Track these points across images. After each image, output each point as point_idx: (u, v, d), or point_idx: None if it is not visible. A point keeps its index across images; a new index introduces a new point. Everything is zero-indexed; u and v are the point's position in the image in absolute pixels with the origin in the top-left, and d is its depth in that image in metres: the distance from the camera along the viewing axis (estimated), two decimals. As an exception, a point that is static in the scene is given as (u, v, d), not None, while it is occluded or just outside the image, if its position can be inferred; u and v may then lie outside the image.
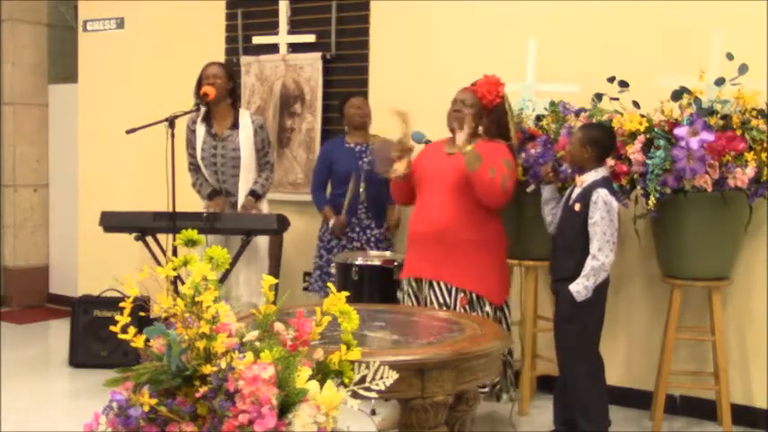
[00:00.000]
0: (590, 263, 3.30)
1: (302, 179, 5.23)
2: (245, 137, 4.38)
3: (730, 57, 3.60)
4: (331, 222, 4.54)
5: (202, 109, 4.38)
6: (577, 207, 3.38)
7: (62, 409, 4.20)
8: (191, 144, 4.46)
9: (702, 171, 3.45)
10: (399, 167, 3.74)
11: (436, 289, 3.66)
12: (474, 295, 3.65)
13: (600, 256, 3.29)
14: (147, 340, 1.98)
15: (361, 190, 4.49)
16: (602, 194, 3.31)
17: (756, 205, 3.71)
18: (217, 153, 4.39)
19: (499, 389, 3.78)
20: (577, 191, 3.44)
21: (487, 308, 3.67)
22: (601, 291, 3.38)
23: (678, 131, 3.48)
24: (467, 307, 3.62)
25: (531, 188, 3.73)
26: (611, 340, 4.23)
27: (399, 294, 3.85)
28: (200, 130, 4.42)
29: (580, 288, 3.31)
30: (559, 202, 3.63)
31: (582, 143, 3.41)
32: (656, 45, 4.11)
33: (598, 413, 3.45)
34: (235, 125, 4.41)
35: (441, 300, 3.64)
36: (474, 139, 3.66)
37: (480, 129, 3.75)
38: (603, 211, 3.29)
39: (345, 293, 2.12)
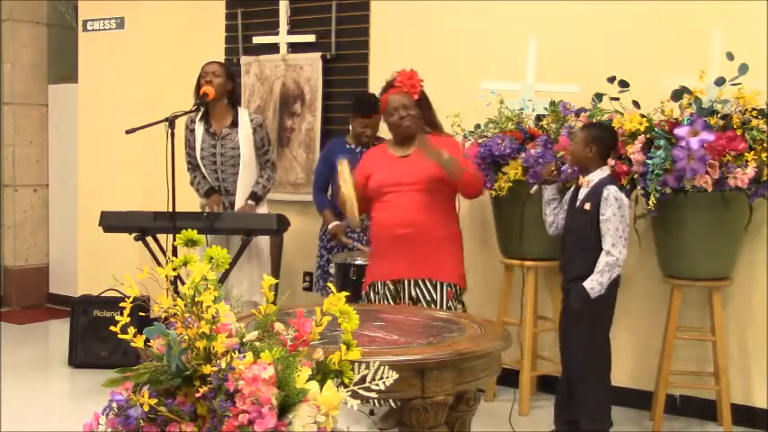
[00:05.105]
0: (604, 259, 3.31)
1: (302, 179, 5.23)
2: (245, 135, 4.39)
3: (730, 57, 3.60)
4: (330, 226, 4.54)
5: (201, 108, 4.38)
6: (587, 206, 3.38)
7: (62, 409, 4.20)
8: (189, 143, 4.46)
9: (703, 171, 3.45)
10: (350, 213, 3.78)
11: (422, 286, 3.68)
12: (456, 287, 3.71)
13: (614, 252, 3.30)
14: (147, 340, 1.98)
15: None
16: (612, 191, 3.33)
17: (756, 205, 3.71)
18: (216, 152, 4.39)
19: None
20: (584, 191, 3.44)
21: (464, 298, 3.74)
22: (612, 287, 3.38)
23: (678, 131, 3.48)
24: (452, 300, 3.66)
25: (534, 189, 3.74)
26: (612, 340, 4.23)
27: (373, 297, 3.82)
28: (199, 129, 4.42)
29: (594, 284, 3.31)
30: (560, 202, 3.63)
31: (585, 143, 3.42)
32: (656, 45, 4.11)
33: (602, 413, 3.46)
34: (234, 124, 4.41)
35: (428, 297, 3.67)
36: (423, 135, 3.70)
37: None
38: (615, 208, 3.31)
39: (345, 293, 2.12)
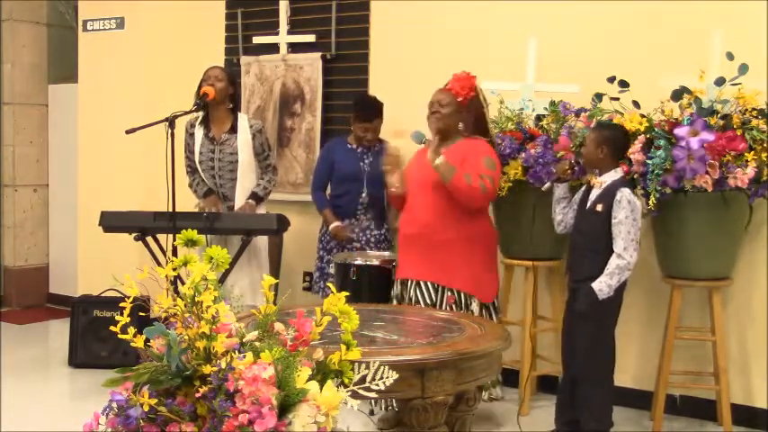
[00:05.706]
0: (615, 261, 3.30)
1: (302, 179, 5.23)
2: (244, 141, 4.37)
3: (730, 57, 3.60)
4: (331, 227, 4.53)
5: (201, 111, 4.37)
6: (599, 207, 3.36)
7: (62, 409, 4.20)
8: (188, 147, 4.45)
9: (703, 171, 3.45)
10: (397, 184, 3.80)
11: (423, 289, 3.68)
12: (462, 294, 3.67)
13: (625, 256, 3.29)
14: (147, 340, 1.98)
15: (363, 192, 4.50)
16: (625, 194, 3.32)
17: (756, 205, 3.71)
18: (215, 157, 4.38)
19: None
20: (596, 191, 3.43)
21: (474, 306, 3.69)
22: (619, 290, 3.38)
23: (678, 131, 3.48)
24: (453, 306, 3.65)
25: (546, 186, 3.73)
26: (612, 340, 4.23)
27: (392, 296, 3.90)
28: (199, 133, 4.41)
29: (603, 286, 3.30)
30: (570, 201, 3.62)
31: (597, 144, 3.41)
32: (656, 45, 4.11)
33: (604, 413, 3.45)
34: (233, 129, 4.39)
35: (428, 300, 3.67)
36: (456, 137, 3.69)
37: (461, 125, 3.77)
38: (628, 211, 3.30)
39: (345, 293, 2.12)
